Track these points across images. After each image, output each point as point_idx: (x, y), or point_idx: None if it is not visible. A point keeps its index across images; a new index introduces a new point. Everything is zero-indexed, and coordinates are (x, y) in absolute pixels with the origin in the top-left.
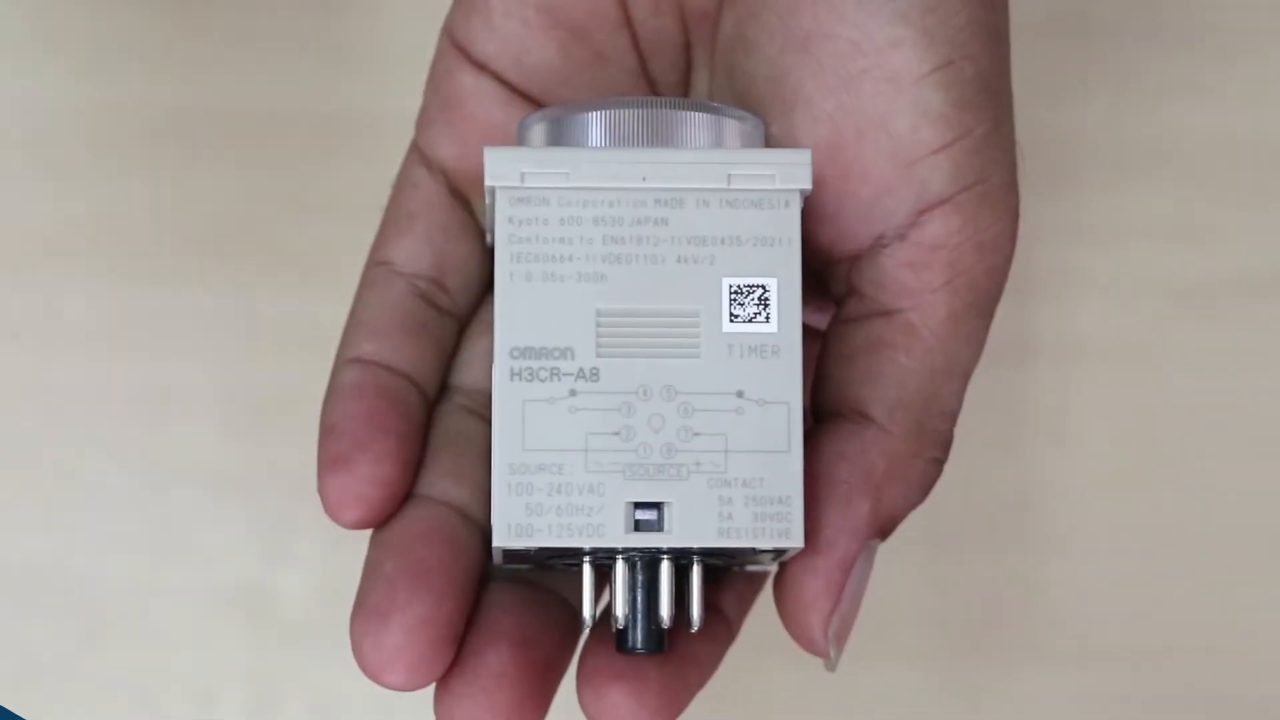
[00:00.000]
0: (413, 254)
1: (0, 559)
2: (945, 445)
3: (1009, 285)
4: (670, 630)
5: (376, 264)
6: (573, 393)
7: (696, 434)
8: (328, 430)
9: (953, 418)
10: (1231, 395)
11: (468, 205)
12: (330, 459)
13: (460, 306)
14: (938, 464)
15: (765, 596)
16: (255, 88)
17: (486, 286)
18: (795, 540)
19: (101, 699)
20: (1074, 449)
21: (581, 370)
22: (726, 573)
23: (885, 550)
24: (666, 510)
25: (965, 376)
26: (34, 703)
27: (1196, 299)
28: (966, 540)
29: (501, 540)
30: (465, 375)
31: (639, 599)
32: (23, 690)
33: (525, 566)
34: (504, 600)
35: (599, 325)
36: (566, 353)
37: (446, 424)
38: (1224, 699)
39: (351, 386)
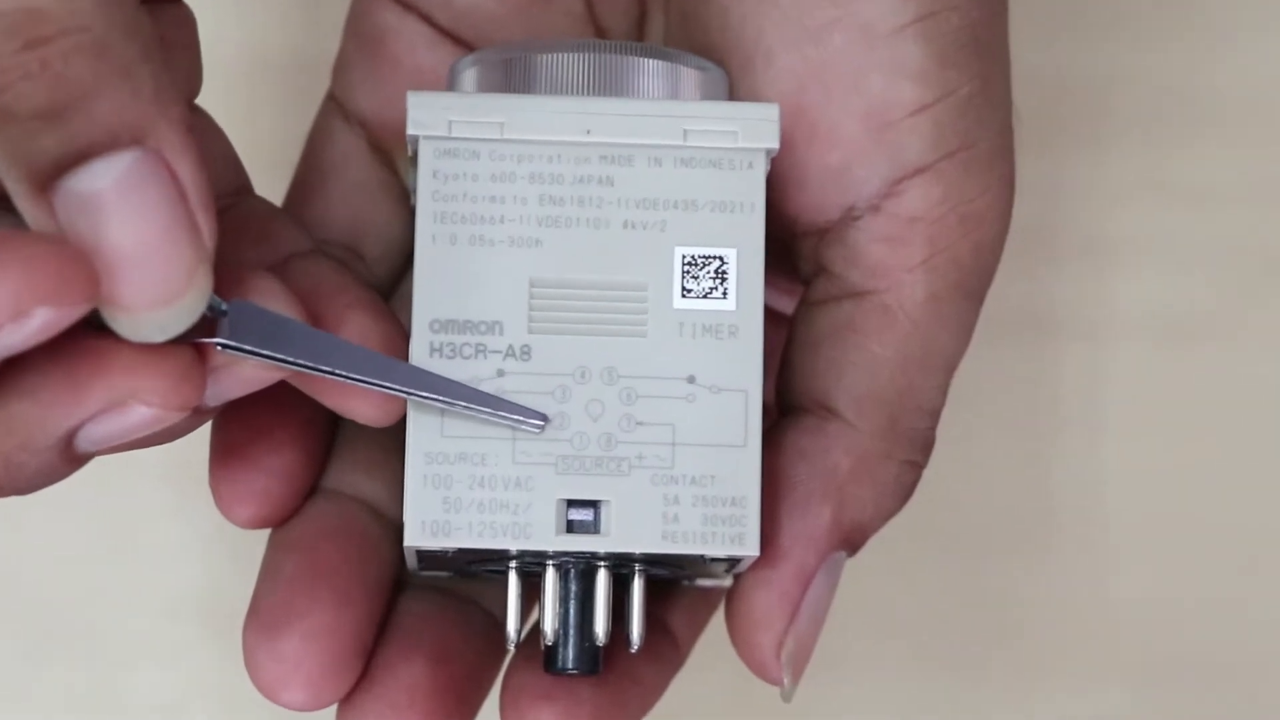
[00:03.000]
0: (325, 217)
1: None
2: (924, 446)
3: (1034, 251)
4: (608, 649)
5: None
6: (500, 373)
7: (640, 423)
8: (220, 415)
9: (933, 415)
10: None
11: (390, 162)
12: (222, 448)
13: (379, 278)
14: (914, 467)
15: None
16: None
17: (410, 256)
18: (749, 548)
19: None
20: (1109, 439)
21: (511, 348)
22: (676, 586)
23: (888, 554)
24: (604, 510)
25: (948, 369)
26: None
27: (1272, 270)
28: (982, 543)
29: (414, 539)
30: None
31: (571, 612)
32: None
33: (444, 573)
34: (420, 610)
35: (532, 297)
36: (494, 327)
37: None
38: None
39: None
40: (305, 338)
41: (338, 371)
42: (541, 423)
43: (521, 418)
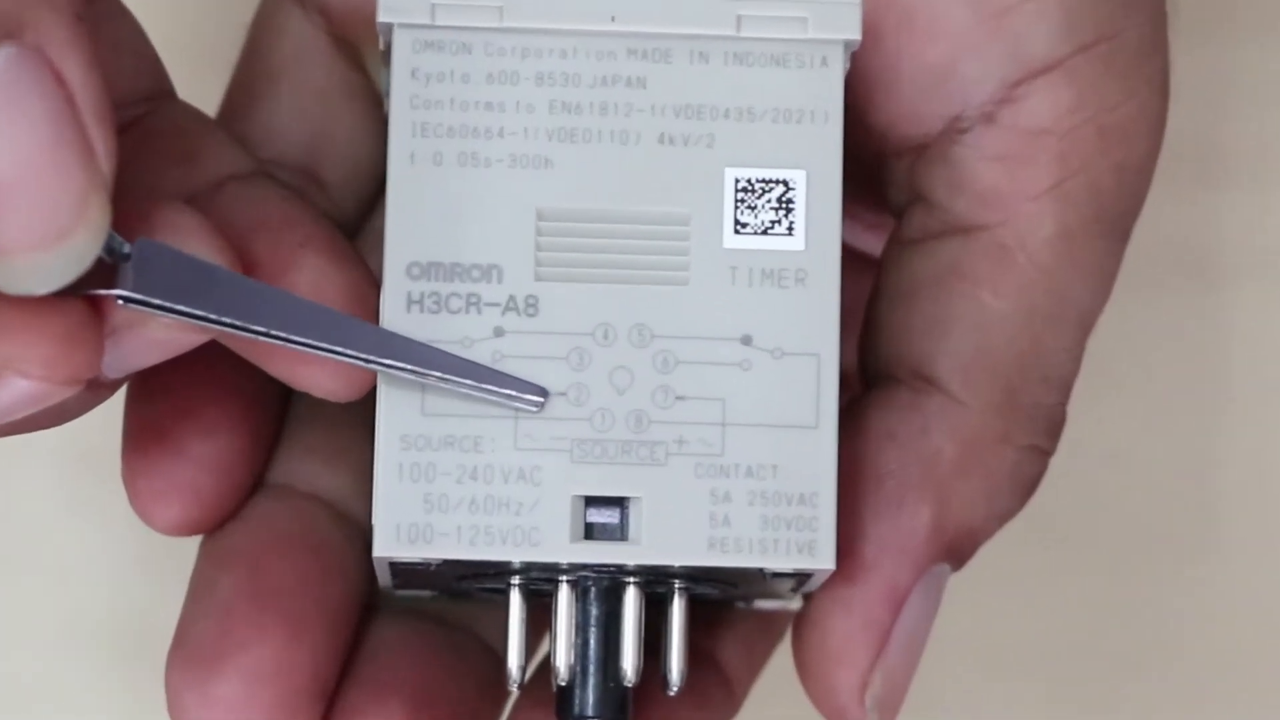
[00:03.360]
0: (275, 130)
1: None
2: (1051, 427)
3: (1194, 173)
4: (639, 692)
5: None
6: (498, 332)
7: (680, 398)
8: (135, 389)
9: (1062, 386)
10: None
11: (358, 59)
12: (138, 431)
13: (343, 209)
14: (1038, 454)
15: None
16: None
17: (383, 181)
18: (823, 559)
19: None
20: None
21: (513, 299)
22: (728, 610)
23: (1003, 565)
24: (633, 510)
25: (1082, 326)
26: None
27: None
28: (1126, 548)
29: (387, 548)
30: None
31: (591, 644)
32: None
33: (426, 592)
34: (396, 640)
35: (540, 234)
36: (490, 273)
37: None
38: None
39: None
40: (234, 288)
41: (275, 333)
42: (540, 399)
43: (514, 391)
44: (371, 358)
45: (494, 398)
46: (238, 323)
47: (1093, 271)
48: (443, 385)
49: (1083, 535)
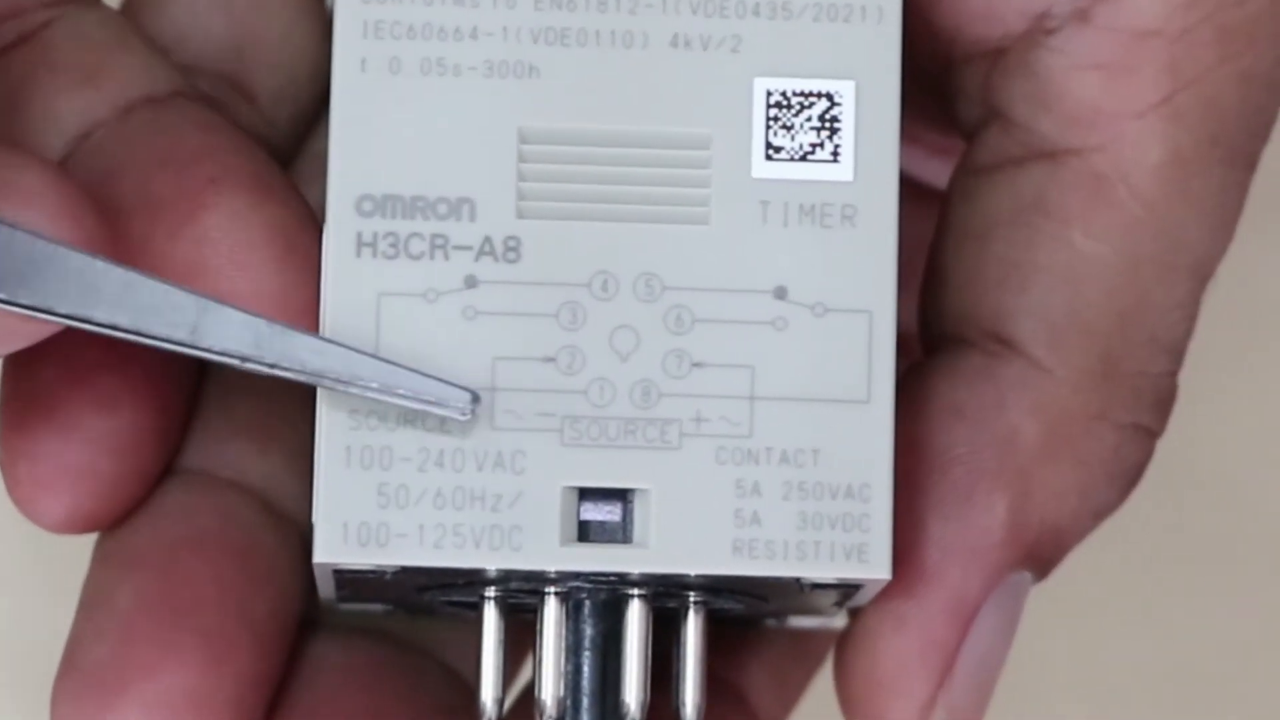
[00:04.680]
0: (191, 29)
1: None
2: (1159, 402)
3: None
4: None
5: None
6: (471, 282)
7: (698, 365)
8: (12, 355)
9: (1173, 352)
10: None
11: None
12: (16, 405)
13: (277, 127)
14: (1144, 436)
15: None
16: None
17: (326, 92)
18: (877, 567)
19: None
20: None
21: (489, 242)
22: (755, 629)
23: (1103, 573)
24: (639, 505)
25: (1199, 276)
26: None
27: None
28: (1255, 551)
29: (332, 553)
30: None
31: (585, 670)
32: None
33: (379, 605)
34: (340, 664)
35: (523, 159)
36: (462, 208)
37: None
38: None
39: None
40: (83, 275)
41: (128, 329)
42: (468, 404)
43: (435, 400)
44: (252, 357)
45: (417, 405)
46: (80, 316)
47: (1211, 208)
48: (336, 389)
49: (1198, 534)
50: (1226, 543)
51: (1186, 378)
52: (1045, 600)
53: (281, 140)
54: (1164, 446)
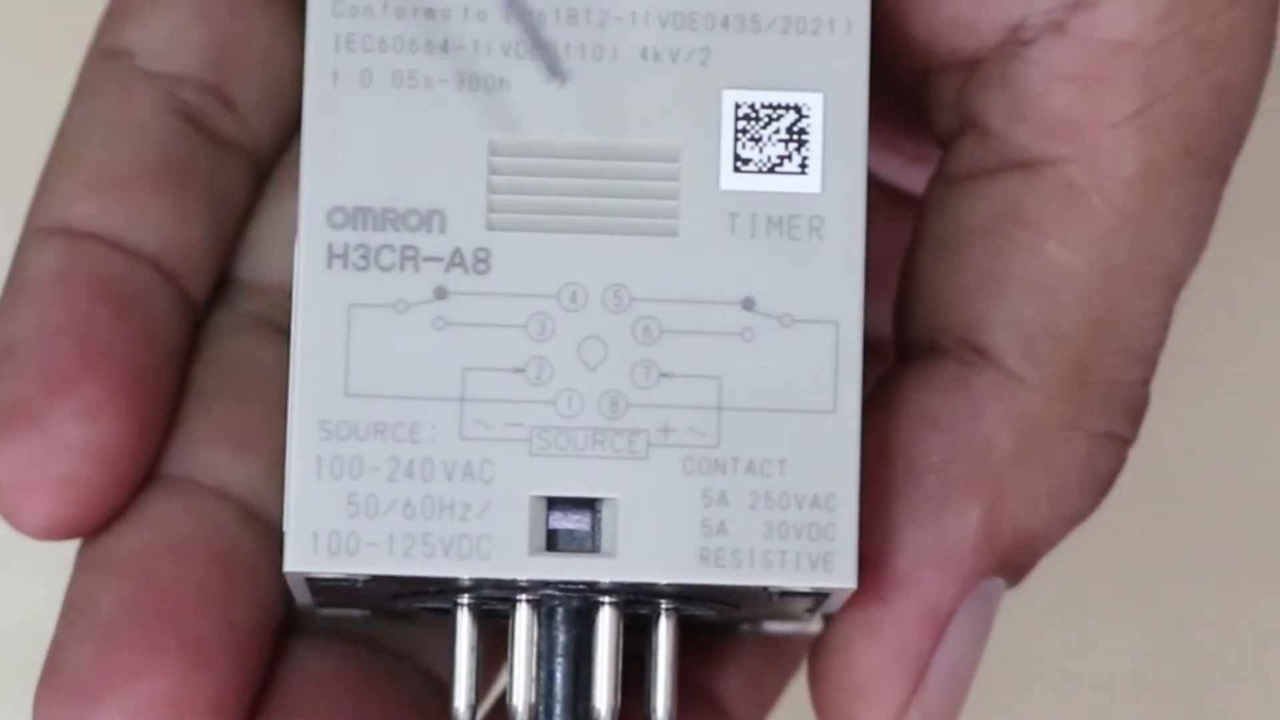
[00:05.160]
0: (171, 39)
1: None
2: (1132, 410)
3: None
4: None
5: (106, 55)
6: (441, 293)
7: (667, 375)
8: (3, 357)
9: (1146, 359)
10: None
11: None
12: (1, 414)
13: (259, 137)
14: (1117, 444)
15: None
16: None
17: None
18: (841, 575)
19: None
20: None
21: (459, 253)
22: (729, 633)
23: (1076, 579)
24: (607, 514)
25: (1172, 285)
26: None
27: None
28: (1231, 556)
29: (301, 561)
30: (263, 262)
31: (557, 677)
32: None
33: (356, 611)
34: (319, 669)
35: (493, 171)
36: (432, 220)
37: (225, 348)
38: None
39: (51, 278)
40: None
41: None
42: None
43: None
44: None
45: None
46: None
47: (1185, 218)
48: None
49: (1170, 541)
50: (1223, 543)
51: (1183, 378)
52: (1042, 600)
53: (262, 150)
54: (1161, 448)
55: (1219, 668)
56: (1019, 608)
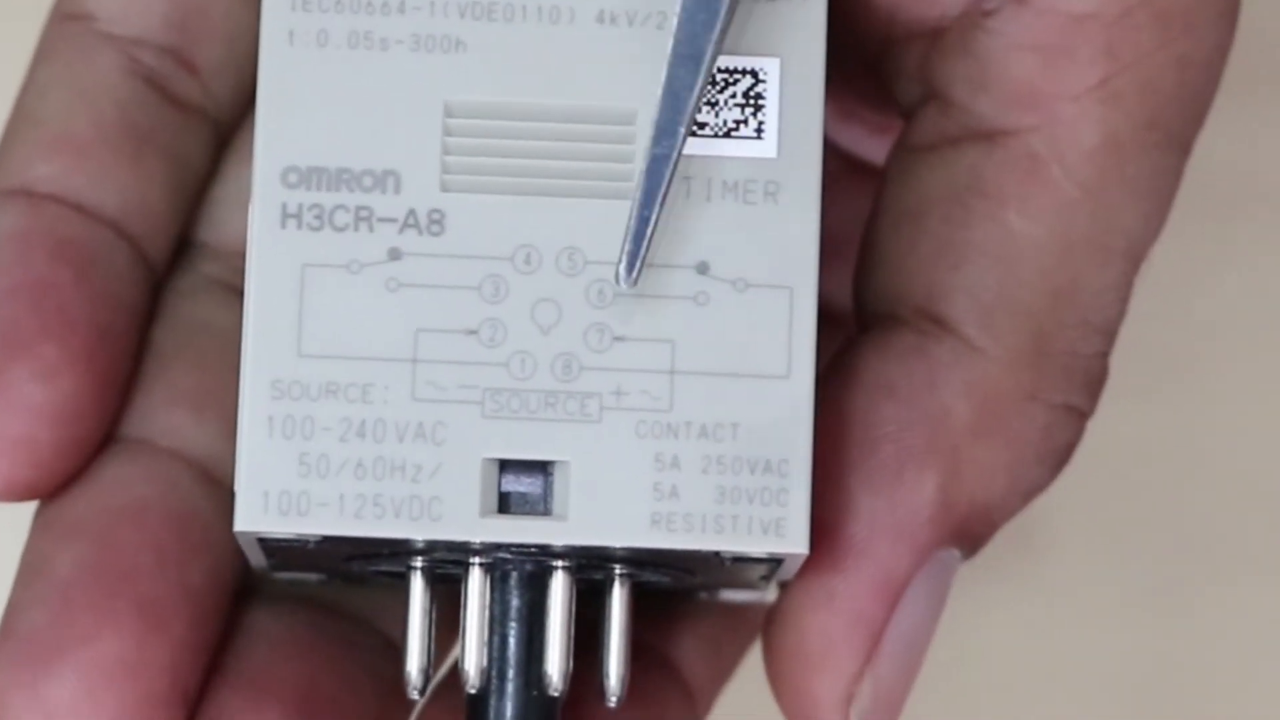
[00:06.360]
0: (131, 2)
1: None
2: (1090, 382)
3: (1266, 80)
4: (572, 700)
5: (66, 18)
6: (395, 254)
7: (620, 339)
8: None
9: (1105, 332)
10: None
11: None
12: None
13: (219, 102)
14: (1074, 416)
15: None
16: None
17: None
18: (792, 541)
19: None
20: None
21: (413, 214)
22: (688, 600)
23: (1030, 557)
24: (559, 477)
25: (1132, 258)
26: None
27: None
28: (1189, 546)
29: (252, 521)
30: (224, 225)
31: (510, 642)
32: None
33: (313, 575)
34: (277, 632)
35: (448, 133)
36: (386, 181)
37: (184, 310)
38: None
39: (9, 239)
40: None
41: None
42: None
43: None
44: None
45: None
46: None
47: (1145, 191)
48: None
49: (1128, 524)
50: (1223, 541)
51: (1183, 377)
52: (1042, 600)
53: (223, 113)
54: (1162, 447)
55: (1219, 667)
56: (1019, 607)
